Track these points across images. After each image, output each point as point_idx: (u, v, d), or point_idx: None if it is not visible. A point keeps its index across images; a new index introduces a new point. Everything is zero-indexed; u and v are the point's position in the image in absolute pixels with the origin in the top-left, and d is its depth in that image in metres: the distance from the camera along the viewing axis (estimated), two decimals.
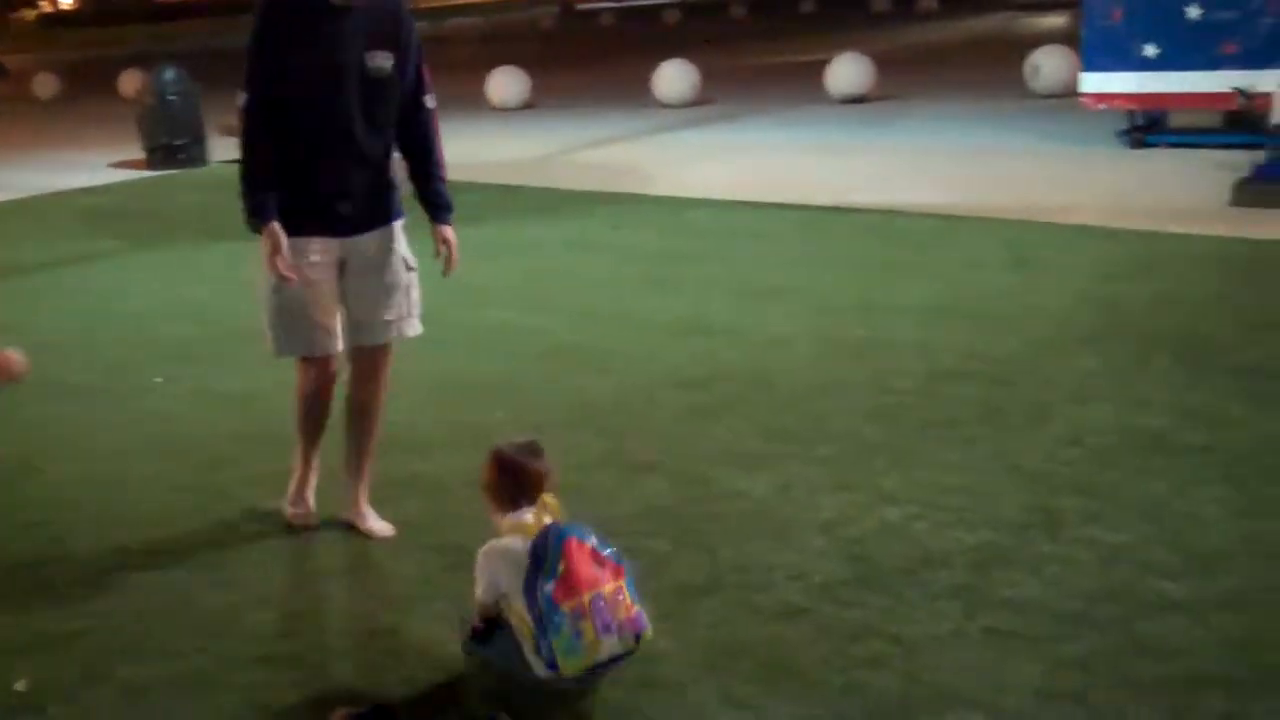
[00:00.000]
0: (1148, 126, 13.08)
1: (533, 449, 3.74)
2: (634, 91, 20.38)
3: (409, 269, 4.70)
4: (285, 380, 6.80)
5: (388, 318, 4.67)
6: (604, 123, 18.05)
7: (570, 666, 3.43)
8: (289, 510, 4.94)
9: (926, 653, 3.77)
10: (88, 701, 3.81)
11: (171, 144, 16.10)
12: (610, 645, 3.47)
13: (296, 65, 4.30)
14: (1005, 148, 13.64)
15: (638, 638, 3.51)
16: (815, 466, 5.22)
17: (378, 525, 4.81)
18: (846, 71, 18.71)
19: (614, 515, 4.42)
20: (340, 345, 4.71)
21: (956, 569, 4.27)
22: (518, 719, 3.48)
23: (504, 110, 20.77)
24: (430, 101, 4.58)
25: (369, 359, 4.78)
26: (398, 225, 4.67)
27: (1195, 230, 8.97)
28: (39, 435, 6.23)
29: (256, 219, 4.39)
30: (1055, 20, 31.58)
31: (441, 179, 4.65)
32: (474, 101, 20.89)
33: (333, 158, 4.42)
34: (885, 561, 4.35)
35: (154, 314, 8.60)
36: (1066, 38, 18.29)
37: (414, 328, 4.76)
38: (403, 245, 4.68)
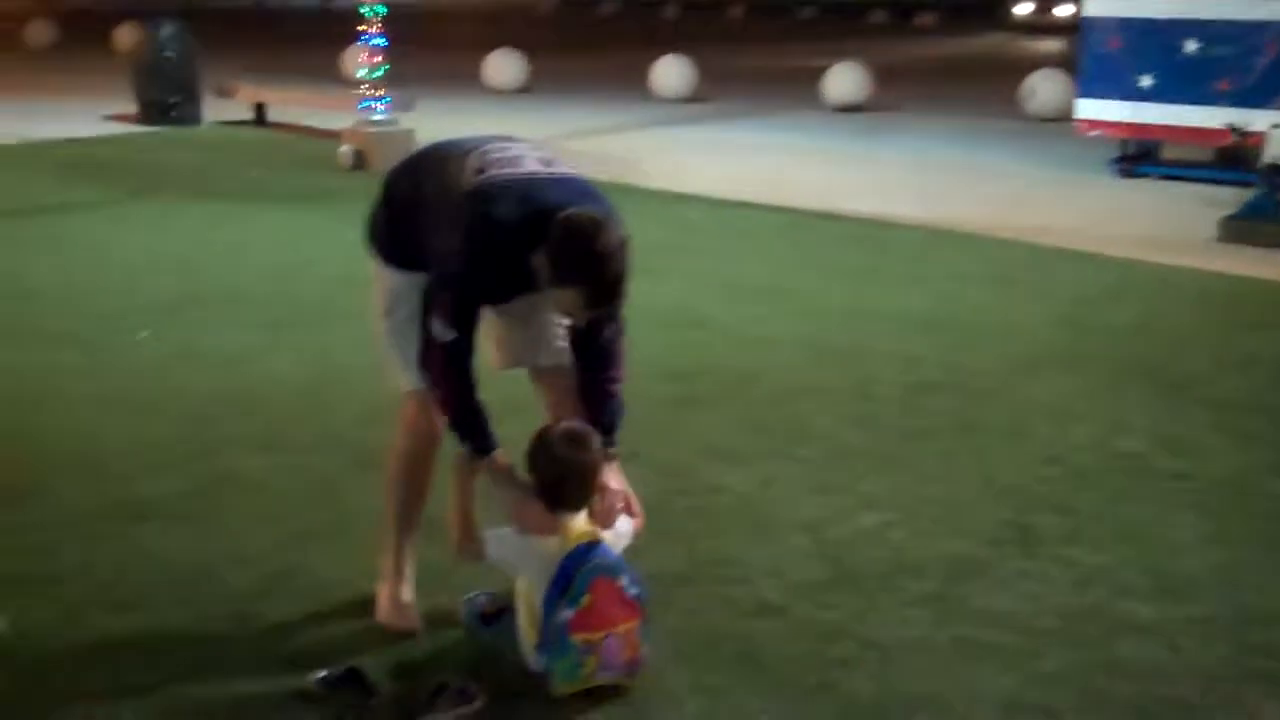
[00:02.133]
0: (1139, 156, 13.18)
1: (578, 442, 3.64)
2: (631, 83, 20.38)
3: None
4: (270, 340, 6.85)
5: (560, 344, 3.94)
6: (600, 112, 18.05)
7: (561, 689, 3.48)
8: (383, 614, 3.96)
9: (899, 658, 3.80)
10: (62, 645, 3.81)
11: (165, 100, 16.02)
12: (604, 679, 3.53)
13: (503, 297, 3.70)
14: (997, 167, 13.72)
15: (631, 675, 3.56)
16: (796, 466, 5.25)
17: None
18: (843, 80, 18.78)
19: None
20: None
21: (931, 578, 4.30)
22: (493, 692, 3.50)
23: (500, 92, 20.74)
24: (615, 326, 3.78)
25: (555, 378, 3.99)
26: None
27: (1179, 262, 9.04)
28: (19, 382, 6.21)
29: (481, 454, 3.67)
30: (1052, 44, 31.73)
31: (615, 395, 3.85)
32: (470, 81, 20.86)
33: None
34: (861, 565, 4.38)
35: (141, 268, 8.57)
36: (1063, 62, 18.38)
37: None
38: None
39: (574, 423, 3.70)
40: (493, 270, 3.53)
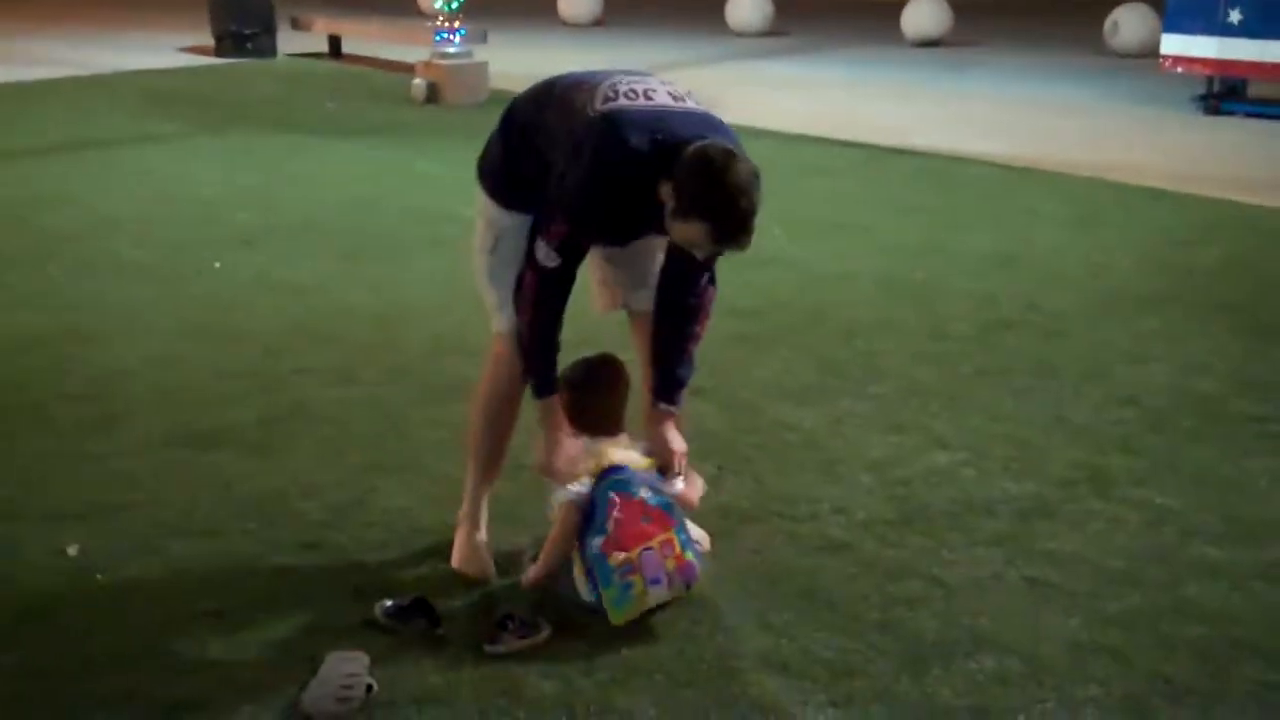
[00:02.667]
0: (1225, 94, 12.89)
1: (604, 375, 3.72)
2: (706, 17, 20.21)
3: None
4: (344, 272, 6.89)
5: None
6: (673, 46, 17.91)
7: (618, 617, 3.50)
8: (457, 558, 3.90)
9: (965, 597, 3.77)
10: (136, 571, 3.87)
11: (241, 32, 16.11)
12: (659, 595, 3.54)
13: (614, 233, 3.65)
14: (1078, 103, 13.47)
15: (688, 585, 3.56)
16: (866, 404, 5.21)
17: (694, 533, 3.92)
18: (923, 14, 18.52)
19: None
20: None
21: (1001, 517, 4.26)
22: (558, 625, 3.52)
23: (574, 26, 20.64)
24: (709, 276, 3.79)
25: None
26: None
27: (1266, 202, 8.85)
28: (95, 310, 6.29)
29: (540, 391, 3.69)
30: None
31: (684, 371, 3.83)
32: (544, 15, 20.77)
33: None
34: (930, 504, 4.35)
35: (215, 200, 8.64)
36: None
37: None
38: None
39: (604, 355, 3.77)
40: (615, 200, 3.42)
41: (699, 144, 3.34)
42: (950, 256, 7.41)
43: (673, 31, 19.73)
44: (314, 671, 3.30)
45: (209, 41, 16.35)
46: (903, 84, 14.90)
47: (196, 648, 3.48)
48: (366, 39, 16.21)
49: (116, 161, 9.97)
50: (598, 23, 20.84)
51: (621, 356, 3.93)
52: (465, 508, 3.95)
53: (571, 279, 3.55)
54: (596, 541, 3.51)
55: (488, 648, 3.46)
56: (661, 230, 3.46)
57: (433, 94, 12.70)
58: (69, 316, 6.18)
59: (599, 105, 3.44)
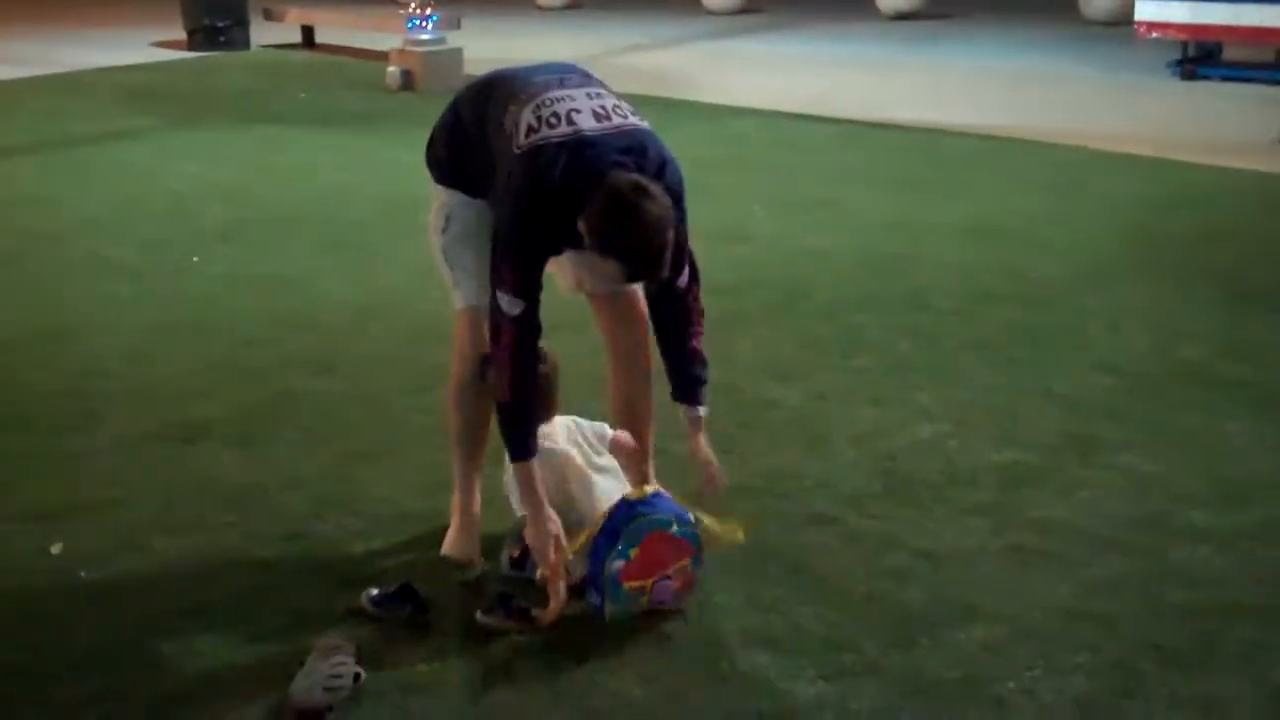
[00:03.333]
0: (1200, 58, 12.89)
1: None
2: None
3: None
4: (321, 263, 6.85)
5: None
6: (649, 26, 17.86)
7: (615, 616, 3.49)
8: (447, 546, 3.90)
9: (952, 567, 3.77)
10: (120, 568, 3.85)
11: (213, 25, 15.97)
12: (657, 607, 3.54)
13: (558, 252, 3.62)
14: (1054, 72, 13.46)
15: (683, 599, 3.59)
16: (849, 379, 5.20)
17: None
18: None
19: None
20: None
21: (986, 487, 4.26)
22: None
23: (548, 9, 20.56)
24: (681, 282, 3.69)
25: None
26: None
27: (1244, 165, 8.85)
28: (74, 308, 6.25)
29: (518, 454, 3.59)
30: None
31: (697, 354, 3.77)
32: (520, 0, 20.70)
33: None
34: (915, 476, 4.35)
35: (191, 194, 8.58)
36: None
37: None
38: None
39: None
40: (544, 235, 3.47)
41: (609, 180, 3.33)
42: (930, 229, 7.40)
43: (648, 12, 19.66)
44: (301, 662, 3.28)
45: (181, 35, 16.24)
46: (878, 58, 14.87)
47: (182, 643, 3.46)
48: (340, 28, 16.12)
49: (91, 159, 9.90)
50: (573, 5, 20.77)
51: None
52: (455, 496, 3.93)
53: (537, 312, 3.53)
54: (616, 565, 3.45)
55: (480, 616, 3.45)
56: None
57: (407, 82, 12.65)
58: (47, 315, 6.14)
59: (523, 139, 3.46)
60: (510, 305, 3.47)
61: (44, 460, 4.59)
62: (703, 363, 3.76)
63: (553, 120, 3.47)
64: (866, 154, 9.65)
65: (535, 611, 3.49)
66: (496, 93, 3.68)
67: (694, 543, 3.57)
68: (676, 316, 3.73)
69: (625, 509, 3.52)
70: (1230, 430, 4.67)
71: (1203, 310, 5.96)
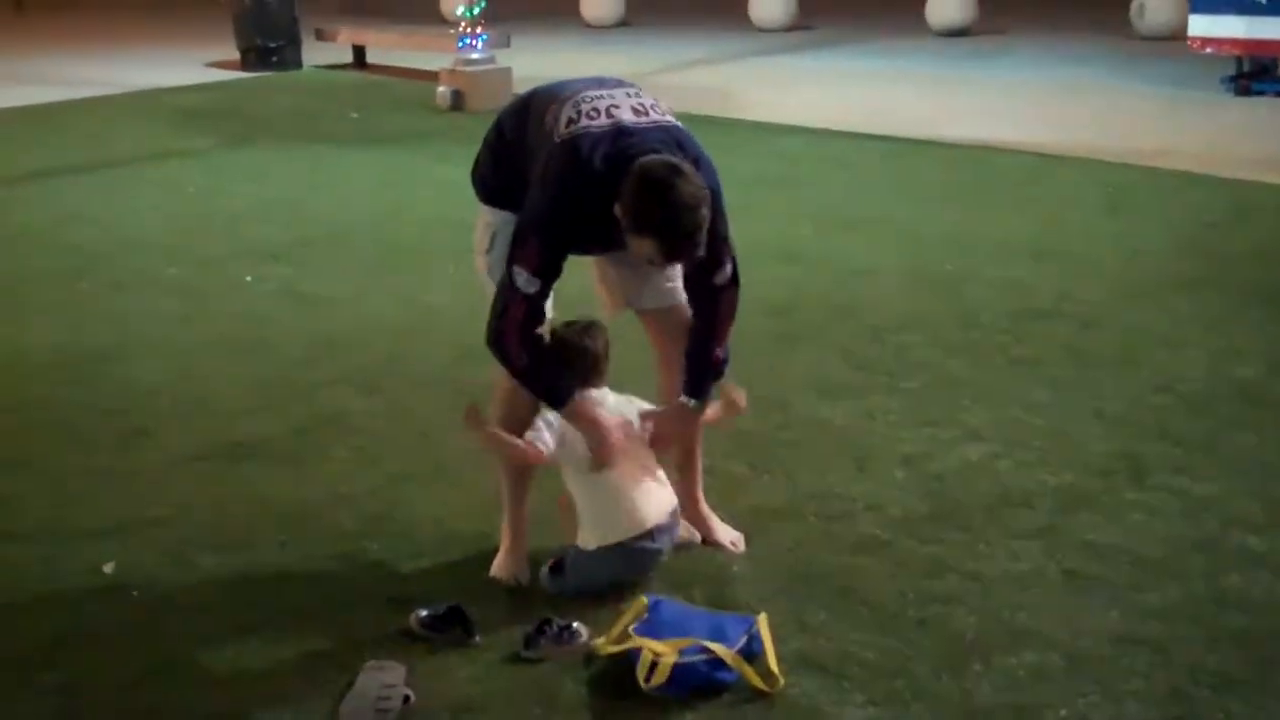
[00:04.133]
0: (1255, 73, 12.75)
1: (588, 330, 3.74)
2: (730, 13, 20.15)
3: None
4: (370, 282, 6.89)
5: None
6: (699, 44, 17.87)
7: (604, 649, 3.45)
8: (496, 568, 3.91)
9: (1004, 592, 3.73)
10: (170, 586, 3.88)
11: (266, 45, 16.13)
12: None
13: (586, 247, 3.74)
14: (1106, 88, 13.35)
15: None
16: (898, 399, 5.17)
17: (725, 534, 4.08)
18: (947, 4, 18.38)
19: None
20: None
21: (1038, 510, 4.22)
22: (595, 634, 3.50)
23: (598, 28, 20.62)
24: (720, 278, 3.72)
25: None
26: None
27: None
28: (126, 326, 6.32)
29: (558, 401, 3.69)
30: None
31: (715, 360, 3.82)
32: (568, 16, 20.76)
33: None
34: (966, 498, 4.31)
35: (245, 213, 8.66)
36: None
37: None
38: None
39: (587, 321, 3.79)
40: (578, 219, 3.52)
41: (643, 160, 3.40)
42: (981, 247, 7.35)
43: (697, 29, 19.68)
44: (350, 683, 3.29)
45: (235, 56, 16.40)
46: (929, 74, 14.81)
47: (232, 661, 3.49)
48: (390, 48, 16.23)
49: (145, 178, 10.01)
50: (622, 23, 20.81)
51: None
52: (505, 516, 3.94)
53: (544, 307, 3.60)
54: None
55: (523, 652, 3.45)
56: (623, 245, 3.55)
57: (457, 101, 12.71)
58: (100, 333, 6.20)
59: (563, 129, 3.54)
60: (528, 283, 3.53)
61: (95, 479, 4.63)
62: (718, 372, 3.83)
63: (593, 114, 3.56)
64: (917, 171, 9.61)
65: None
66: (537, 100, 3.77)
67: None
68: (707, 318, 3.78)
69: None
70: None
71: (1257, 329, 5.88)
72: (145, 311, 6.55)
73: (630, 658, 3.34)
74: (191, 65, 16.50)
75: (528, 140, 3.70)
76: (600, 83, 3.73)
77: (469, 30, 13.08)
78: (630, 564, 3.75)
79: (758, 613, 3.49)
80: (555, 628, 3.50)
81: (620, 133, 3.52)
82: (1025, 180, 9.15)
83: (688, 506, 4.06)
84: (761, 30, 19.35)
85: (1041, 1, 22.82)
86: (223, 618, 3.70)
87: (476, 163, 3.93)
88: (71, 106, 13.56)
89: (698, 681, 3.28)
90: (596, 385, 3.78)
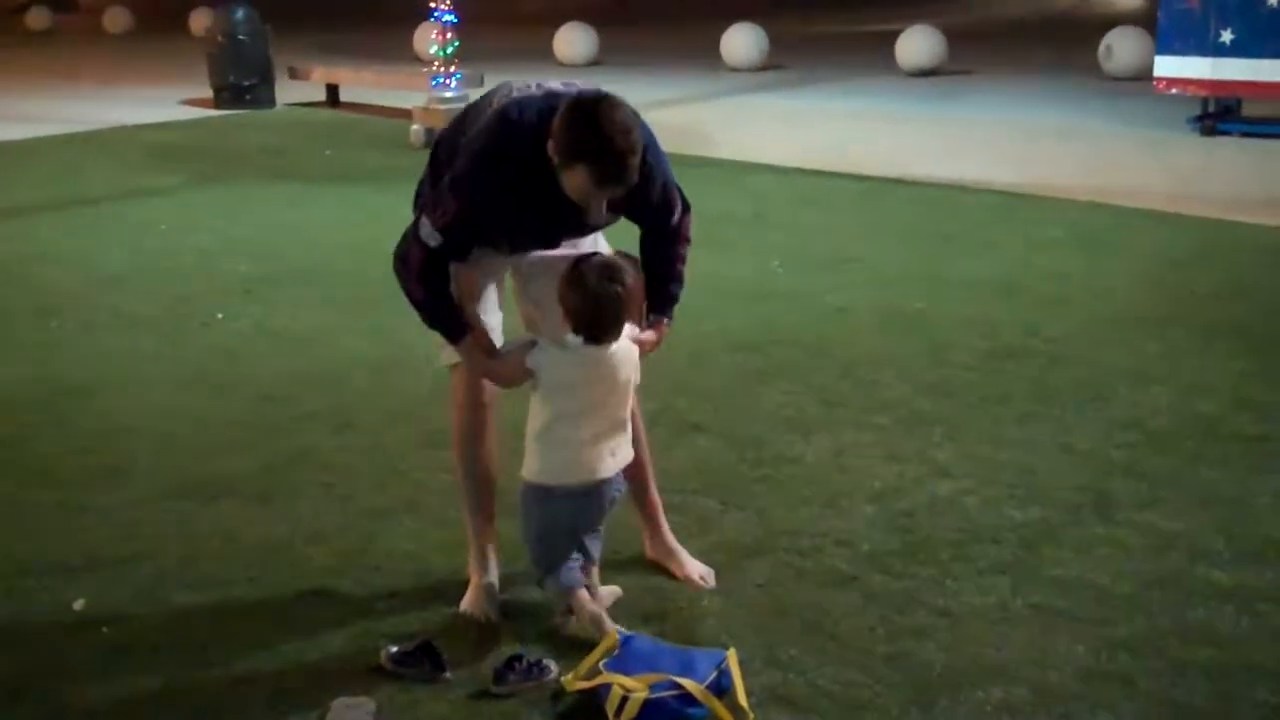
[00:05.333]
0: (1220, 114, 12.90)
1: (609, 272, 3.58)
2: (703, 53, 20.28)
3: None
4: (342, 319, 6.90)
5: None
6: (671, 83, 17.96)
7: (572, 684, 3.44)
8: (466, 602, 3.90)
9: (972, 626, 3.76)
10: (141, 623, 3.87)
11: (240, 84, 16.19)
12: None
13: (506, 225, 3.64)
14: (1074, 128, 13.49)
15: None
16: (869, 435, 5.20)
17: (694, 569, 4.08)
18: (917, 44, 18.55)
19: (664, 470, 4.40)
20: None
21: (1006, 545, 4.25)
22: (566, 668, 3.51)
23: (571, 66, 20.72)
24: (676, 217, 3.81)
25: None
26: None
27: (1264, 221, 8.84)
28: (97, 363, 6.31)
29: (455, 335, 3.74)
30: (1131, 1, 31.15)
31: (675, 288, 3.88)
32: (541, 56, 20.86)
33: None
34: (934, 534, 4.34)
35: (215, 250, 8.66)
36: (1142, 19, 18.06)
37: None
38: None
39: (607, 256, 3.70)
40: (500, 184, 3.49)
41: (572, 95, 3.47)
42: (950, 285, 7.41)
43: (668, 68, 19.79)
44: (321, 718, 3.29)
45: (208, 93, 16.44)
46: (899, 114, 14.93)
47: (203, 699, 3.48)
48: (364, 86, 16.28)
49: (117, 215, 10.00)
50: (595, 62, 20.92)
51: None
52: (470, 551, 3.96)
53: (447, 271, 3.63)
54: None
55: (493, 688, 3.46)
56: (551, 222, 3.61)
57: (430, 139, 12.74)
58: (71, 370, 6.19)
59: (495, 105, 3.62)
60: (429, 236, 3.55)
61: (66, 516, 4.62)
62: (680, 283, 3.88)
63: (524, 88, 3.66)
64: (886, 210, 9.68)
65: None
66: (467, 110, 3.84)
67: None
68: (669, 249, 3.83)
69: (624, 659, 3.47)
70: (1250, 487, 4.65)
71: (1222, 366, 5.94)
72: (116, 349, 6.54)
73: (600, 694, 3.35)
74: (165, 103, 16.52)
75: (460, 141, 3.68)
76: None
77: (442, 69, 13.14)
78: (575, 512, 3.70)
79: (728, 648, 3.51)
80: (525, 663, 3.51)
81: (551, 94, 3.58)
82: (993, 219, 9.23)
83: (654, 542, 4.09)
84: (733, 69, 19.48)
85: (1010, 42, 23.10)
86: (193, 655, 3.69)
87: (418, 190, 3.89)
88: (43, 143, 13.55)
89: (668, 717, 3.30)
90: (631, 322, 3.68)
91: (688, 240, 3.87)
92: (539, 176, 3.44)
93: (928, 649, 3.64)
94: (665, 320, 3.87)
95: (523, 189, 3.48)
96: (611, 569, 4.00)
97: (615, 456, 3.73)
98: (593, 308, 3.56)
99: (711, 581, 4.02)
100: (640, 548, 4.17)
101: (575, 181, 3.40)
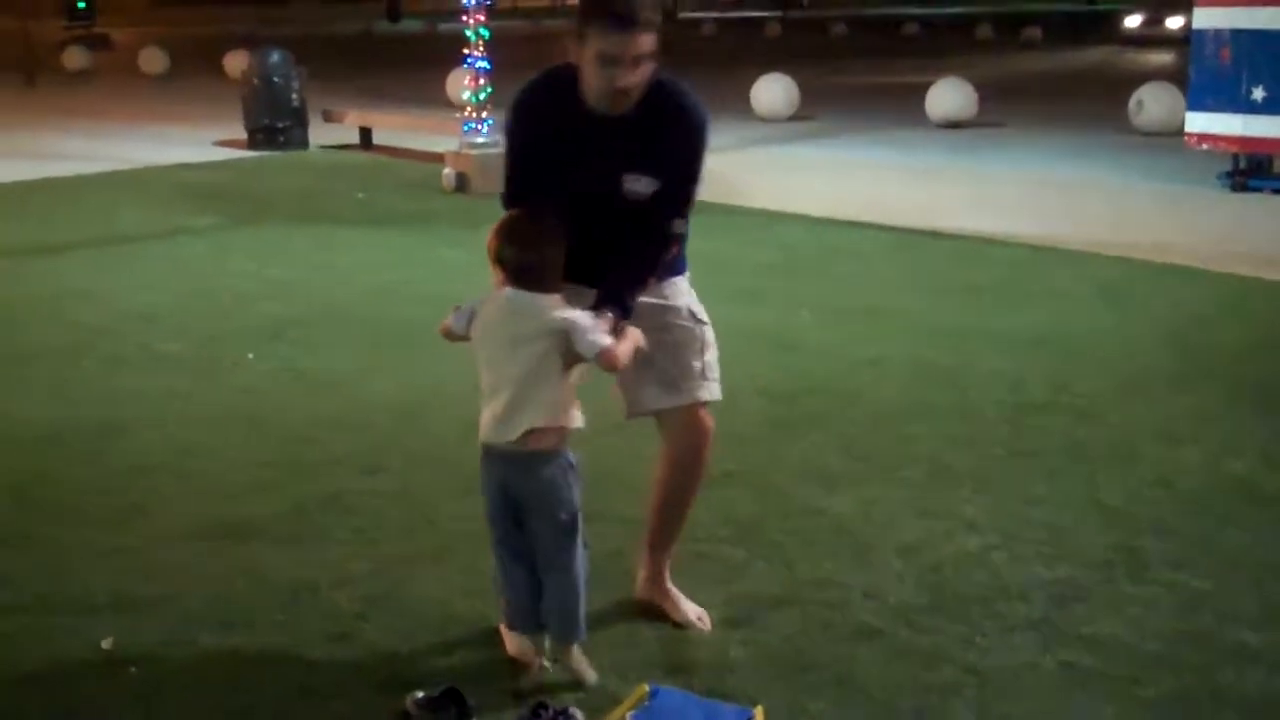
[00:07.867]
0: (1251, 170, 12.89)
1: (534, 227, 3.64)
2: (733, 103, 20.34)
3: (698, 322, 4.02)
4: (372, 365, 6.92)
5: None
6: None
7: None
8: (509, 646, 3.89)
9: (1000, 684, 3.73)
10: (168, 664, 3.88)
11: (273, 125, 16.34)
12: None
13: (549, 181, 3.76)
14: (1104, 182, 13.50)
15: None
16: (897, 489, 5.19)
17: (691, 611, 4.09)
18: (947, 96, 18.62)
19: (691, 518, 4.38)
20: None
21: (1035, 602, 4.23)
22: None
23: None
24: (676, 228, 3.86)
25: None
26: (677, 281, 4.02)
27: None
28: (128, 401, 6.34)
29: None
30: (1162, 57, 31.21)
31: (632, 288, 3.79)
32: None
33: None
34: (963, 589, 4.32)
35: (247, 291, 8.71)
36: (1173, 75, 18.08)
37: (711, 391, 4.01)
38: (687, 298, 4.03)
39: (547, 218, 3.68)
40: (535, 113, 3.79)
41: None
42: (980, 338, 7.40)
43: None
44: None
45: (242, 135, 16.59)
46: (929, 166, 14.97)
47: None
48: (397, 130, 16.42)
49: (150, 255, 10.08)
50: None
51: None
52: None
53: (519, 202, 3.76)
54: None
55: None
56: (589, 152, 3.71)
57: (461, 183, 12.84)
58: (101, 409, 6.23)
59: None
60: (501, 195, 3.82)
61: (95, 556, 4.63)
62: (638, 284, 3.77)
63: None
64: (916, 262, 9.69)
65: None
66: None
67: None
68: (645, 246, 3.81)
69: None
70: None
71: (1252, 423, 5.92)
72: (146, 388, 6.58)
73: None
74: (199, 143, 16.68)
75: None
76: None
77: (474, 114, 13.23)
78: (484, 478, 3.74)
79: (756, 702, 3.49)
80: (551, 711, 3.50)
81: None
82: (1023, 273, 9.23)
83: (653, 584, 4.10)
84: (764, 120, 19.56)
85: (1041, 96, 23.13)
86: (220, 696, 3.70)
87: None
88: (78, 182, 13.69)
89: None
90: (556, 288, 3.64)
91: (665, 251, 3.83)
92: (568, 98, 3.69)
93: (955, 706, 3.62)
94: (617, 318, 3.66)
95: (553, 116, 3.73)
96: (636, 618, 4.01)
97: (500, 423, 3.60)
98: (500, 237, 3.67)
99: (707, 624, 4.03)
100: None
101: (590, 53, 3.58)
